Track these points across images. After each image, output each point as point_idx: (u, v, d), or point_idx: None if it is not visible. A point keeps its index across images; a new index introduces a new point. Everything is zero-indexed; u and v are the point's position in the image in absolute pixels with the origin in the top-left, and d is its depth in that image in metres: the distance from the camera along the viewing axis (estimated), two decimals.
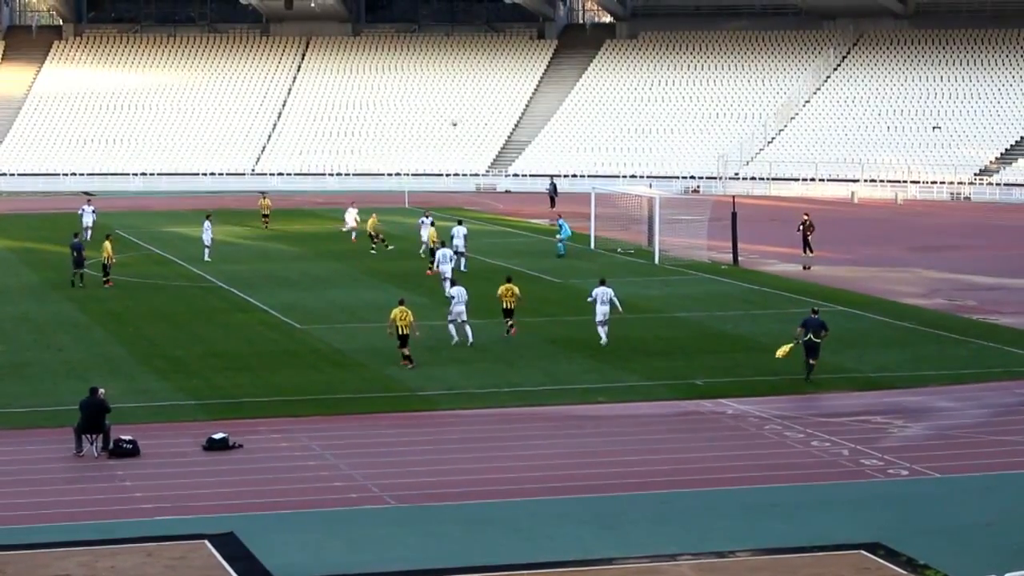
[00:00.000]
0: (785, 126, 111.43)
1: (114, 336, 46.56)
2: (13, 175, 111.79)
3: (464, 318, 44.02)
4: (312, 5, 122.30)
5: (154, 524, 26.97)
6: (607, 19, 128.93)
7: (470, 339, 43.84)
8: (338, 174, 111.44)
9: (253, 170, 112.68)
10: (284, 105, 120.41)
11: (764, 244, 69.79)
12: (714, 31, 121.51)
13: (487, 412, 36.29)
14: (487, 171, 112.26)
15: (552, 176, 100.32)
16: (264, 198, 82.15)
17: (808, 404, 36.95)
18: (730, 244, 65.15)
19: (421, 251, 65.82)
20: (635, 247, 68.99)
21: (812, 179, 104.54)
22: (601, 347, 43.77)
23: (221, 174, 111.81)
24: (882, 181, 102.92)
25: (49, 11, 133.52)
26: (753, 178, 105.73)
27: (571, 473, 30.48)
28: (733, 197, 71.08)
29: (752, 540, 25.90)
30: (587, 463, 31.29)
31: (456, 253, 60.02)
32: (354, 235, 72.36)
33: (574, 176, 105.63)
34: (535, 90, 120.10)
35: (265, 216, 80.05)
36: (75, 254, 57.39)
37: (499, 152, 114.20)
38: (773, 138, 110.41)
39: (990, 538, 26.26)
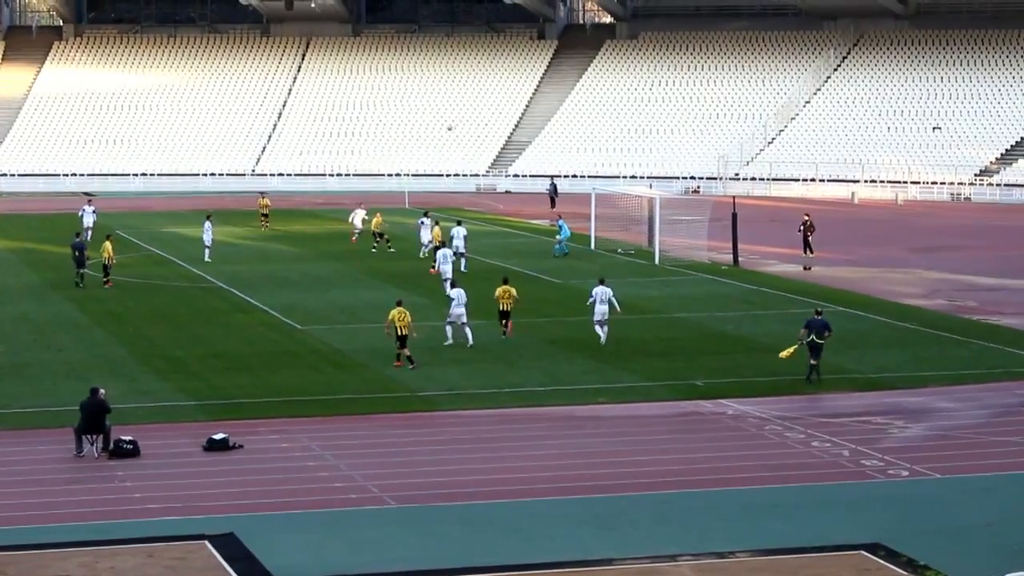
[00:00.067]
0: (785, 126, 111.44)
1: (114, 336, 46.56)
2: (13, 175, 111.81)
3: (464, 320, 44.01)
4: (312, 5, 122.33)
5: (154, 525, 26.96)
6: (607, 19, 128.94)
7: (470, 341, 43.83)
8: (338, 174, 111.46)
9: (253, 171, 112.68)
10: (284, 105, 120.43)
11: (764, 245, 69.79)
12: (714, 31, 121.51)
13: (487, 413, 36.29)
14: (487, 171, 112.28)
15: (552, 176, 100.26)
16: (263, 198, 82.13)
17: (808, 405, 36.95)
18: (730, 245, 65.15)
19: (421, 252, 65.81)
20: (635, 248, 68.99)
21: (812, 180, 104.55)
22: (601, 347, 43.78)
23: (221, 174, 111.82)
24: (882, 182, 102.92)
25: (49, 11, 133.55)
26: (753, 178, 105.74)
27: (571, 474, 30.47)
28: (733, 198, 71.08)
29: (752, 541, 25.89)
30: (587, 463, 31.29)
31: (456, 254, 60.06)
32: (354, 236, 72.33)
33: (574, 176, 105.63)
34: (535, 90, 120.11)
35: (264, 216, 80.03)
36: (76, 254, 57.39)
37: (499, 152, 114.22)
38: (773, 138, 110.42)
39: (991, 539, 26.26)
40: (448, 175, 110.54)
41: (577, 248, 68.37)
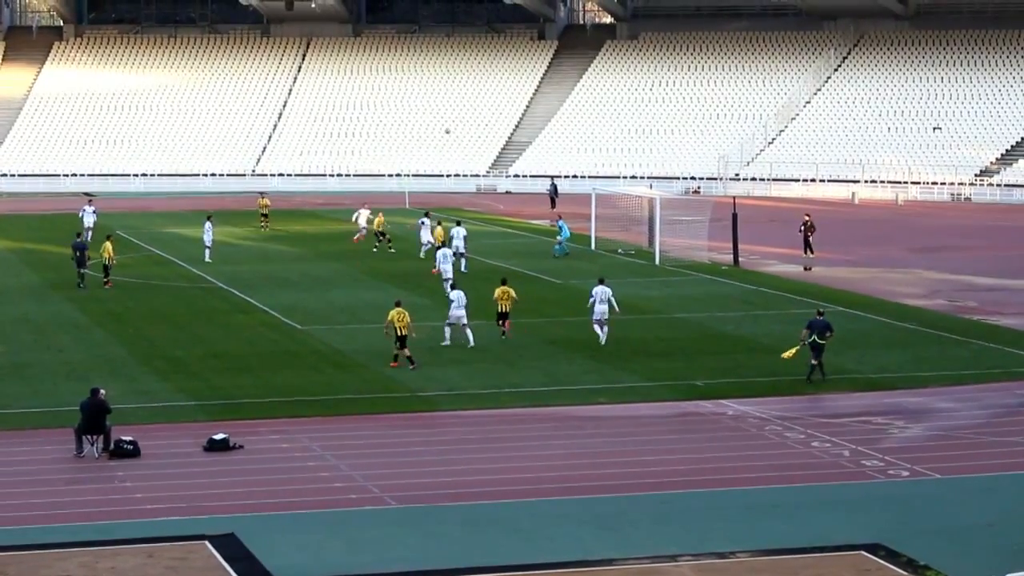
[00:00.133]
0: (786, 127, 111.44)
1: (114, 337, 46.57)
2: (14, 176, 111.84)
3: (464, 321, 44.00)
4: (313, 6, 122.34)
5: (155, 525, 26.97)
6: (608, 20, 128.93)
7: (471, 342, 43.82)
8: (339, 175, 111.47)
9: (254, 171, 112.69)
10: (285, 106, 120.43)
11: (764, 245, 69.79)
12: (715, 32, 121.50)
13: (487, 413, 36.30)
14: (487, 172, 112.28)
15: (553, 177, 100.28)
16: (263, 198, 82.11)
17: (809, 405, 36.95)
18: (731, 245, 65.15)
19: (421, 252, 65.82)
20: (636, 248, 68.99)
21: (813, 180, 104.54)
22: (601, 347, 43.78)
23: (222, 175, 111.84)
24: (883, 182, 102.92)
25: (50, 12, 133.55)
26: (754, 179, 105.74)
27: (571, 474, 30.48)
28: (734, 198, 71.07)
29: (752, 541, 25.90)
30: (587, 464, 31.29)
31: (456, 254, 60.08)
32: (356, 236, 72.34)
33: (575, 177, 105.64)
34: (535, 91, 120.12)
35: (264, 216, 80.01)
36: (77, 254, 57.39)
37: (499, 153, 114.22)
38: (774, 139, 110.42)
39: (991, 539, 26.27)
40: (448, 175, 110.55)
41: (577, 248, 68.38)
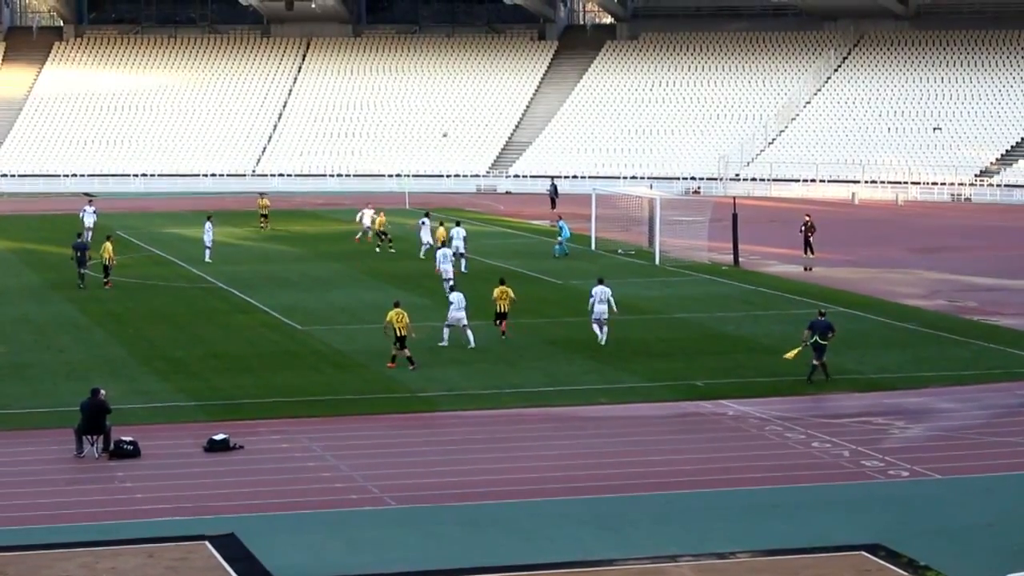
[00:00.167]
0: (786, 127, 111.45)
1: (115, 337, 46.57)
2: (14, 176, 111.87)
3: (464, 323, 43.98)
4: (313, 6, 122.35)
5: (155, 525, 26.97)
6: (608, 20, 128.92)
7: (471, 343, 43.82)
8: (339, 175, 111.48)
9: (254, 171, 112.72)
10: (285, 106, 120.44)
11: (765, 245, 69.80)
12: (715, 32, 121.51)
13: (487, 413, 36.30)
14: (488, 172, 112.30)
15: (553, 177, 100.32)
16: (262, 198, 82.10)
17: (809, 405, 36.95)
18: (731, 245, 65.15)
19: (421, 252, 65.84)
20: (636, 248, 69.00)
21: (813, 180, 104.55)
22: (601, 348, 43.79)
23: (222, 175, 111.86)
24: (883, 182, 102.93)
25: (50, 12, 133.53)
26: (754, 179, 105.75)
27: (571, 474, 30.48)
28: (734, 198, 71.07)
29: (753, 541, 25.90)
30: (588, 464, 31.29)
31: (456, 254, 60.07)
32: (359, 235, 72.32)
33: (575, 177, 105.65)
34: (536, 91, 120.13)
35: (263, 216, 80.00)
36: (78, 254, 57.41)
37: (500, 153, 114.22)
38: (774, 139, 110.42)
39: (991, 539, 26.27)
40: (448, 176, 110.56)
41: (578, 249, 68.37)
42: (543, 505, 28.38)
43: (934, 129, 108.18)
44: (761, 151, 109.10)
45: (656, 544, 25.76)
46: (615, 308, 44.84)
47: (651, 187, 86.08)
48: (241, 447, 32.46)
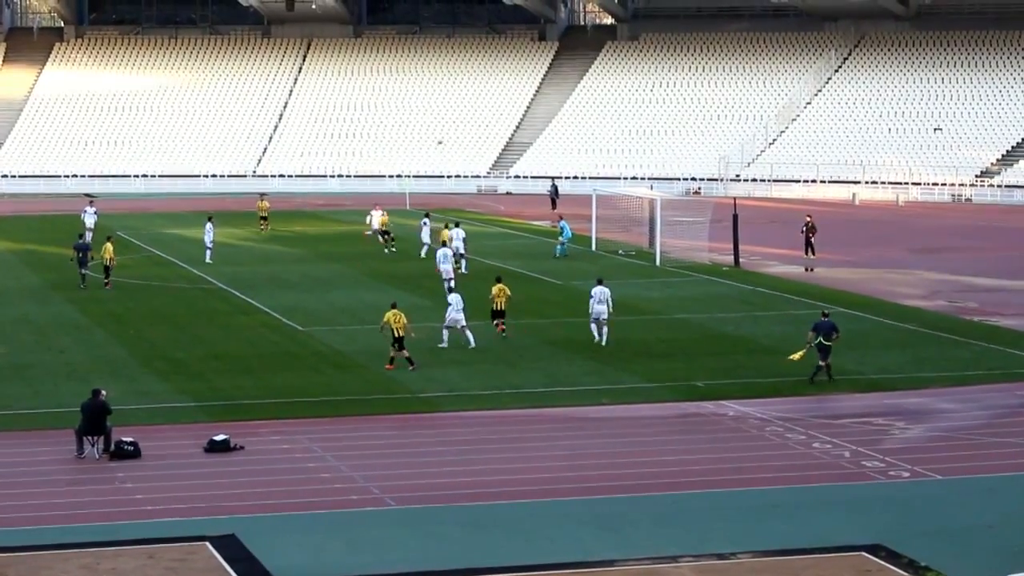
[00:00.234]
0: (786, 128, 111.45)
1: (115, 338, 46.57)
2: (14, 177, 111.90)
3: (463, 324, 43.97)
4: (313, 7, 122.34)
5: (155, 526, 26.98)
6: (608, 21, 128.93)
7: (471, 343, 43.82)
8: (339, 176, 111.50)
9: (254, 172, 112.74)
10: (285, 107, 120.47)
11: (765, 246, 69.79)
12: (715, 33, 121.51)
13: (488, 414, 36.29)
14: (488, 173, 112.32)
15: (553, 178, 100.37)
16: (262, 200, 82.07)
17: (809, 406, 36.94)
18: (731, 246, 65.14)
19: (421, 253, 65.86)
20: (636, 249, 68.99)
21: (813, 181, 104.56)
22: (601, 348, 43.79)
23: (222, 176, 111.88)
24: (883, 183, 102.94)
25: (50, 13, 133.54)
26: (754, 180, 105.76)
27: (572, 475, 30.48)
28: (734, 199, 71.04)
29: (753, 542, 25.90)
30: (588, 464, 31.29)
31: (456, 255, 60.05)
32: (369, 232, 72.30)
33: (575, 178, 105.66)
34: (536, 92, 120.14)
35: (263, 218, 79.96)
36: (79, 255, 57.42)
37: (500, 154, 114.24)
38: (774, 140, 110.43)
39: (992, 540, 26.26)
40: (449, 176, 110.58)
41: (578, 249, 68.36)
42: (544, 505, 28.38)
43: (935, 130, 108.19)
44: (762, 152, 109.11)
45: (656, 545, 25.75)
46: (611, 309, 44.81)
47: (651, 188, 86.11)
48: (241, 448, 32.46)
